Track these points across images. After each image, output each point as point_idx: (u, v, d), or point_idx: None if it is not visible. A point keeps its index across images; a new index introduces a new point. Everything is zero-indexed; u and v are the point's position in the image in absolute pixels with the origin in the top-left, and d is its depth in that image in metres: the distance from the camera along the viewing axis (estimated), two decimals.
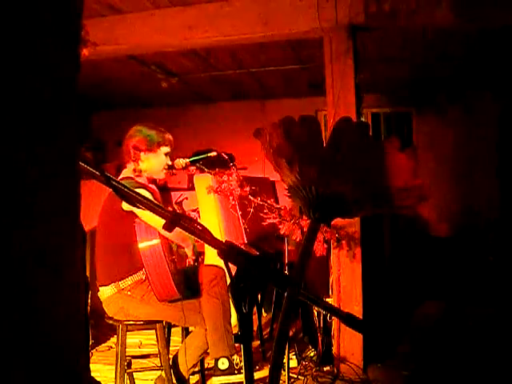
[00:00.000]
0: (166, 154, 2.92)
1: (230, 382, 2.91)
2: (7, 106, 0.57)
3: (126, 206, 2.64)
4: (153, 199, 2.66)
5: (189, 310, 2.73)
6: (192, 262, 3.01)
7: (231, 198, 3.07)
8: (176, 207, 2.97)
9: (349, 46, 3.51)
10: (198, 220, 3.11)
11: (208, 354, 2.83)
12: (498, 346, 3.62)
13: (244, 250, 1.00)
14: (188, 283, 2.77)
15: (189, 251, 2.89)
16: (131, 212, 2.63)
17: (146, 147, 2.84)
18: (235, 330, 3.02)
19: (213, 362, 2.96)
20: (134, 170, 2.84)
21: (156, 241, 2.58)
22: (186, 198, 3.02)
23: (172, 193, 4.48)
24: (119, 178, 2.87)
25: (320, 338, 3.56)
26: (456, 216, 6.43)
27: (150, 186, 2.91)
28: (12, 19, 0.57)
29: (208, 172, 3.14)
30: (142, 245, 2.58)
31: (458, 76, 5.85)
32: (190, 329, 2.97)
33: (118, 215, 2.68)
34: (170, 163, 2.95)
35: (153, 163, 2.88)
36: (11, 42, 0.57)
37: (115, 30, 3.94)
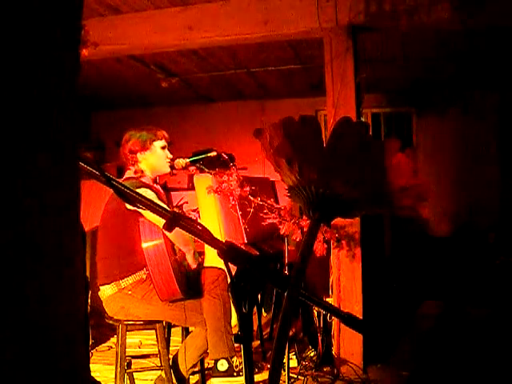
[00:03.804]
0: (162, 148, 2.95)
1: (230, 383, 2.91)
2: (7, 105, 0.57)
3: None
4: (157, 199, 2.69)
5: (189, 310, 2.74)
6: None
7: (231, 198, 3.07)
8: (176, 211, 2.96)
9: (349, 46, 3.51)
10: (198, 220, 3.11)
11: (208, 354, 2.83)
12: (498, 346, 3.62)
13: (244, 250, 1.00)
14: (189, 283, 2.77)
15: (190, 257, 2.88)
16: (135, 211, 2.63)
17: (140, 147, 2.89)
18: (235, 330, 3.02)
19: (212, 362, 2.96)
20: (136, 172, 2.87)
21: (160, 240, 2.58)
22: (186, 202, 3.02)
23: (172, 193, 4.49)
24: (123, 178, 2.90)
25: (320, 338, 3.56)
26: (456, 216, 6.43)
27: (155, 186, 2.93)
28: (11, 20, 0.57)
29: (208, 172, 3.14)
30: (145, 244, 2.58)
31: (458, 76, 5.85)
32: (190, 329, 2.97)
33: (122, 214, 2.69)
34: (170, 156, 2.98)
35: (151, 160, 2.92)
36: (11, 42, 0.57)
37: (115, 30, 3.94)
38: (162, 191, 2.99)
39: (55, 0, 0.64)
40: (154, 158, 2.92)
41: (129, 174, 2.92)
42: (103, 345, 4.17)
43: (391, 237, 5.74)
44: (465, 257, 5.75)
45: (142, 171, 2.89)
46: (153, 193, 2.73)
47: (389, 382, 3.34)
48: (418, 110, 6.84)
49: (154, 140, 2.92)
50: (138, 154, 2.88)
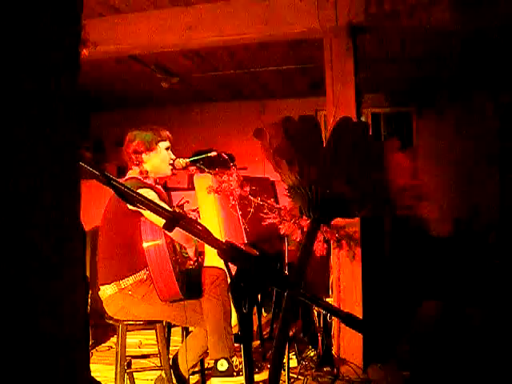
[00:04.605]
0: (166, 149, 2.95)
1: (230, 383, 2.90)
2: (7, 106, 0.57)
3: None
4: (159, 199, 2.68)
5: (189, 310, 2.74)
6: (193, 264, 3.01)
7: (231, 197, 3.07)
8: (177, 210, 2.97)
9: (349, 46, 3.51)
10: (198, 220, 3.12)
11: (208, 354, 2.83)
12: (498, 346, 3.62)
13: (244, 250, 1.00)
14: (189, 283, 2.77)
15: (191, 252, 2.90)
16: (137, 211, 2.62)
17: (145, 148, 2.87)
18: (235, 330, 3.02)
19: (213, 362, 2.96)
20: (141, 172, 2.86)
21: (161, 240, 2.58)
22: (188, 202, 3.02)
23: (172, 193, 4.48)
24: (125, 178, 2.89)
25: (320, 338, 3.56)
26: (456, 216, 6.43)
27: (157, 186, 2.93)
28: (11, 20, 0.57)
29: (208, 172, 3.13)
30: (147, 244, 2.58)
31: (458, 76, 5.85)
32: (190, 329, 2.97)
33: (123, 214, 2.69)
34: (173, 157, 2.97)
35: (156, 161, 2.90)
36: (11, 42, 0.57)
37: (115, 29, 3.94)
38: (163, 191, 2.99)
39: (55, 0, 0.64)
40: (158, 159, 2.90)
41: (131, 173, 2.90)
42: (103, 345, 4.17)
43: (391, 237, 5.75)
44: (465, 257, 5.75)
45: (147, 172, 2.89)
46: (154, 193, 2.73)
47: (389, 382, 3.34)
48: (418, 110, 6.84)
49: (160, 141, 2.91)
50: (144, 155, 2.86)
